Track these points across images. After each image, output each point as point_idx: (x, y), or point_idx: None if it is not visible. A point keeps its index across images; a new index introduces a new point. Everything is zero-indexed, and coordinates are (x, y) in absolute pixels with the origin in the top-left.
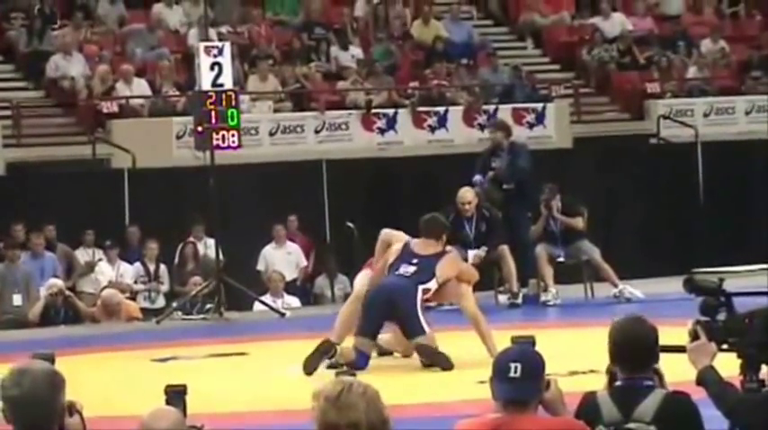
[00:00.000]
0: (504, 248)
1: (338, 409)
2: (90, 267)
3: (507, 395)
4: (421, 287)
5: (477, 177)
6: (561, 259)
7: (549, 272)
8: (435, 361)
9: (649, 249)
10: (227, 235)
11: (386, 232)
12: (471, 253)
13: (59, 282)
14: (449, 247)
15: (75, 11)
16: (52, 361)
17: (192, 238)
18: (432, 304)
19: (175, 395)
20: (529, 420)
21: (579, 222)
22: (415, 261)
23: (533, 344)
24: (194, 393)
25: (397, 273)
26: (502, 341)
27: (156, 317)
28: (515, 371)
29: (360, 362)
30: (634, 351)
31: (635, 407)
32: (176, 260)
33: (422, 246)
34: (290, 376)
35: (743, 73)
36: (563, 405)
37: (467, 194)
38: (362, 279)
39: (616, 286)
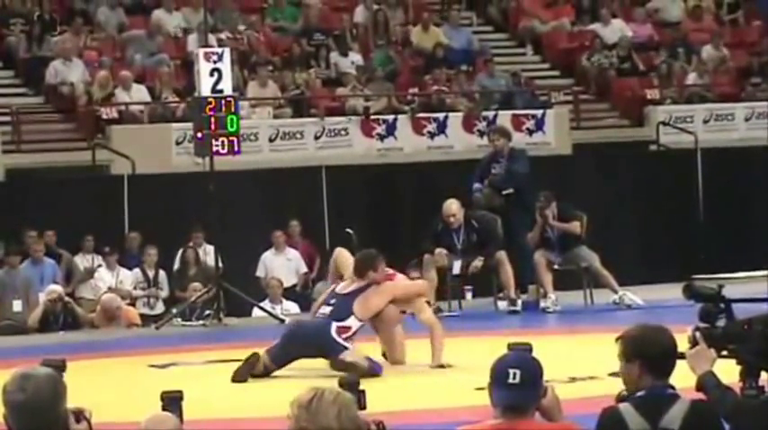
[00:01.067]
0: (502, 254)
1: (310, 416)
2: (89, 273)
3: (506, 401)
4: (335, 324)
5: (477, 185)
6: (558, 266)
7: (548, 278)
8: (353, 371)
9: (649, 255)
10: (227, 241)
11: (338, 251)
12: (457, 264)
13: (59, 288)
14: (392, 272)
15: (74, 17)
16: (63, 367)
17: (191, 244)
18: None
19: (172, 401)
20: (528, 426)
21: (576, 227)
22: (332, 301)
23: (530, 350)
24: (193, 399)
25: (318, 314)
26: (499, 348)
27: (155, 323)
28: (514, 378)
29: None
30: (667, 360)
31: (662, 416)
32: (176, 266)
33: (347, 284)
34: (288, 383)
35: (742, 79)
36: (560, 411)
37: (451, 207)
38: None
39: (616, 292)
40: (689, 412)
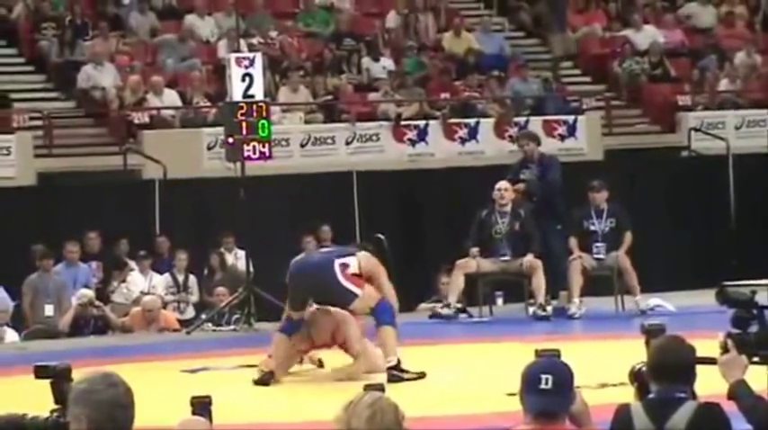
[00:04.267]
0: (537, 262)
1: (346, 417)
2: (122, 278)
3: (539, 407)
4: (337, 261)
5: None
6: (599, 256)
7: (578, 282)
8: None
9: (680, 261)
10: (257, 246)
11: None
12: (503, 251)
13: (90, 293)
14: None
15: (106, 21)
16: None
17: (221, 249)
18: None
19: (201, 406)
20: None
21: (629, 238)
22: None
23: (558, 356)
24: (224, 404)
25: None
26: (529, 353)
27: (185, 327)
28: (546, 383)
29: (286, 328)
30: (672, 370)
31: (667, 419)
32: (205, 271)
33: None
34: (318, 387)
35: None
36: (589, 417)
37: (504, 183)
38: None
39: (635, 296)
40: (694, 415)
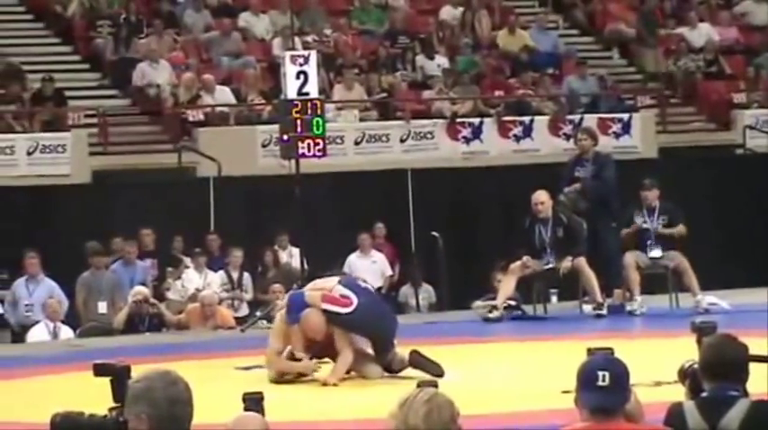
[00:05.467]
0: (581, 261)
1: (402, 414)
2: (177, 275)
3: (596, 403)
4: None
5: (567, 189)
6: (655, 254)
7: (636, 279)
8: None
9: (735, 259)
10: (311, 243)
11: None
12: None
13: (145, 290)
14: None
15: (161, 19)
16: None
17: (275, 247)
18: None
19: (253, 402)
20: (617, 427)
21: (682, 230)
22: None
23: (612, 354)
24: (276, 401)
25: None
26: (584, 351)
27: (239, 325)
28: (603, 380)
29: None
30: (725, 368)
31: (721, 417)
32: (259, 268)
33: None
34: (370, 384)
35: None
36: (642, 414)
37: (540, 195)
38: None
39: (695, 295)
40: (748, 413)
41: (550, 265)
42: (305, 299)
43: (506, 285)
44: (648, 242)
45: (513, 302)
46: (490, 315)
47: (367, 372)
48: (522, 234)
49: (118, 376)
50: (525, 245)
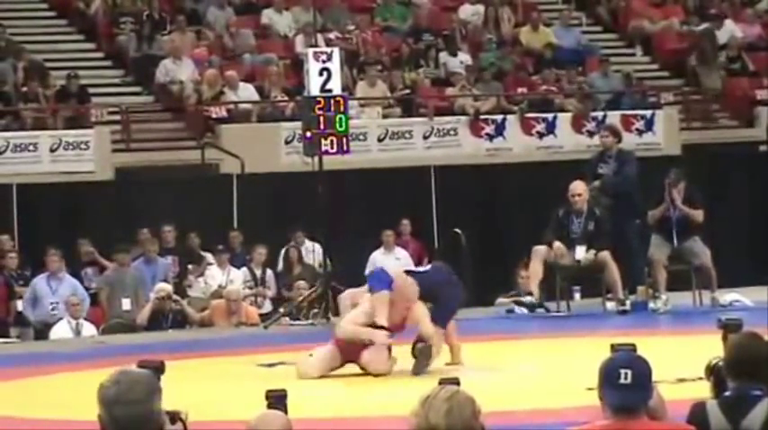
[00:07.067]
0: (606, 255)
1: (423, 411)
2: (200, 272)
3: (618, 401)
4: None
5: (591, 185)
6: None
7: (662, 277)
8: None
9: (758, 256)
10: (335, 240)
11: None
12: (579, 250)
13: (168, 287)
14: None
15: (184, 16)
16: (162, 369)
17: (293, 243)
18: None
19: (277, 399)
20: (640, 425)
21: (700, 215)
22: None
23: (634, 351)
24: (300, 398)
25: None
26: (607, 348)
27: (262, 321)
28: (626, 378)
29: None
30: (750, 367)
31: (743, 417)
32: (280, 265)
33: None
34: (394, 381)
35: None
36: (665, 412)
37: (578, 186)
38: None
39: (712, 292)
40: None
41: (580, 258)
42: (388, 272)
43: (535, 269)
44: (670, 237)
45: (535, 300)
46: (524, 299)
47: (375, 367)
48: (554, 222)
49: (155, 372)
50: (551, 233)
